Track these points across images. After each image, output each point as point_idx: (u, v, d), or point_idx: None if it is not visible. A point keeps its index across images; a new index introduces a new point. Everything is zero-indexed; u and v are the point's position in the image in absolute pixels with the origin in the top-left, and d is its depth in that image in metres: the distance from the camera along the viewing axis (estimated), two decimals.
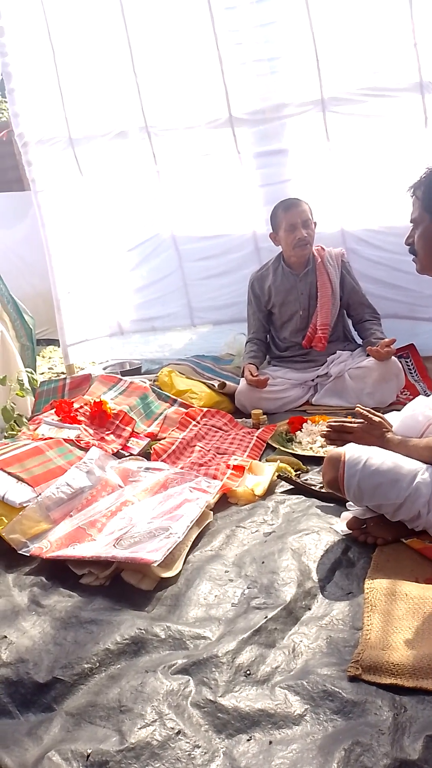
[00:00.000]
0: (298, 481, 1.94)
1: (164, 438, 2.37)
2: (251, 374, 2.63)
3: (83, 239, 3.63)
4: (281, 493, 1.92)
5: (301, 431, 2.33)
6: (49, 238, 3.51)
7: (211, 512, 1.79)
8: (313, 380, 2.77)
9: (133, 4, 3.15)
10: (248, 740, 1.00)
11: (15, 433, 2.25)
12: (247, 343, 2.95)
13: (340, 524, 1.64)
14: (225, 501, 1.89)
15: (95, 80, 3.32)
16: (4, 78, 3.42)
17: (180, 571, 1.49)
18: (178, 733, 1.01)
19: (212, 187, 3.35)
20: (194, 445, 2.30)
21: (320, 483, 1.92)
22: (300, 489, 1.90)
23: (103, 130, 3.40)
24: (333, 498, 1.80)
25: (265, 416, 2.55)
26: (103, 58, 3.30)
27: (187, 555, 1.57)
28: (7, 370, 2.50)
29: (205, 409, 2.61)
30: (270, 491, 1.92)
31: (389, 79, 2.83)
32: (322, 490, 1.86)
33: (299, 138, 3.15)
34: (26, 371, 2.45)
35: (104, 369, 3.63)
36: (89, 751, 0.96)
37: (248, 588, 1.41)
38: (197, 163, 3.32)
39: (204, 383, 2.94)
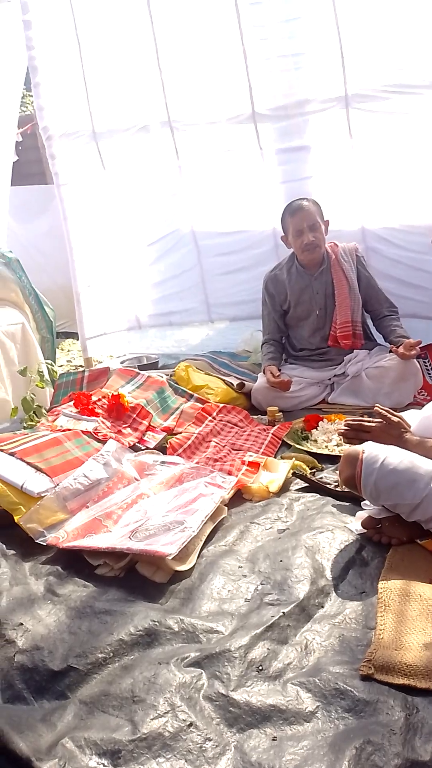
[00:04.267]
0: (313, 478, 1.94)
1: (180, 432, 2.38)
2: (273, 375, 2.63)
3: (104, 233, 3.65)
4: (296, 490, 1.92)
5: (316, 429, 2.33)
6: (70, 231, 3.54)
7: (226, 508, 1.80)
8: (329, 379, 2.77)
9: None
10: (259, 735, 1.00)
11: (34, 423, 2.28)
12: (263, 344, 2.94)
13: (354, 523, 1.63)
14: (239, 497, 1.90)
15: (120, 74, 3.34)
16: (30, 72, 3.44)
17: (194, 565, 1.50)
18: (190, 725, 1.01)
19: (233, 183, 3.34)
20: (210, 441, 2.30)
21: (335, 481, 1.92)
22: (315, 487, 1.90)
23: (126, 125, 3.42)
24: (348, 497, 1.80)
25: (280, 414, 2.55)
26: (129, 52, 3.31)
27: (201, 549, 1.57)
28: (27, 362, 2.52)
29: (221, 405, 2.61)
30: (285, 488, 1.92)
31: (414, 76, 2.80)
32: (337, 489, 1.86)
33: (322, 135, 3.14)
34: (46, 363, 2.47)
35: (122, 363, 3.66)
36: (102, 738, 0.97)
37: (261, 584, 1.42)
38: (219, 159, 3.32)
39: (221, 379, 2.94)
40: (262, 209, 3.33)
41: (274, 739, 1.00)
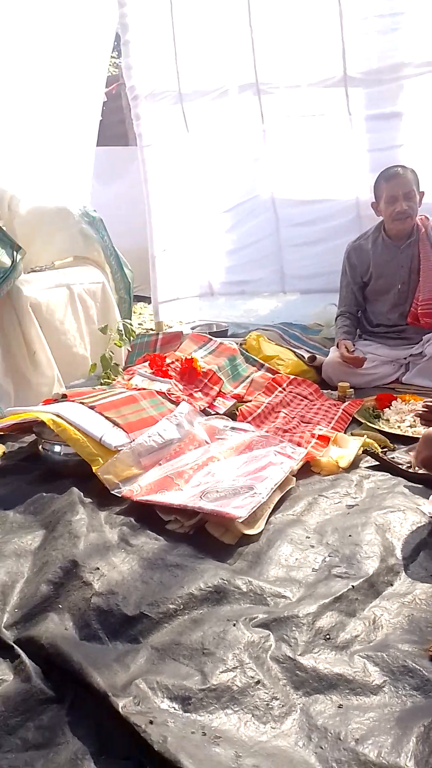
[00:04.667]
0: (385, 458, 1.91)
1: (250, 401, 2.39)
2: (347, 351, 2.58)
3: (182, 197, 3.65)
4: (366, 468, 1.90)
5: (389, 408, 2.28)
6: (150, 193, 3.54)
7: (294, 478, 1.80)
8: (405, 358, 2.69)
9: None
10: (325, 701, 1.02)
11: (110, 381, 2.34)
12: (338, 317, 2.87)
13: (427, 506, 1.60)
14: (307, 469, 1.89)
15: (210, 34, 3.28)
16: (120, 30, 3.42)
17: (262, 531, 1.52)
18: (258, 682, 1.04)
19: (318, 150, 3.26)
20: (279, 411, 2.30)
21: (408, 462, 1.88)
22: (386, 466, 1.87)
23: (212, 86, 3.37)
24: (420, 479, 1.76)
25: (351, 390, 2.50)
26: (220, 11, 3.23)
27: (269, 516, 1.59)
28: (105, 321, 2.58)
29: (291, 377, 2.59)
30: (354, 465, 1.90)
31: None
32: (409, 470, 1.82)
33: (416, 101, 2.99)
34: (125, 322, 2.52)
35: (192, 329, 3.68)
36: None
37: (329, 556, 1.42)
38: (305, 124, 3.23)
39: (292, 351, 2.92)
40: (346, 178, 3.24)
41: (339, 707, 1.01)
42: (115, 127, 5.33)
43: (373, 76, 3.01)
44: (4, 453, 2.02)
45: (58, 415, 1.80)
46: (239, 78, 3.26)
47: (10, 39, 3.77)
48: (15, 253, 2.14)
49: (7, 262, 2.13)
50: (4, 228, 2.27)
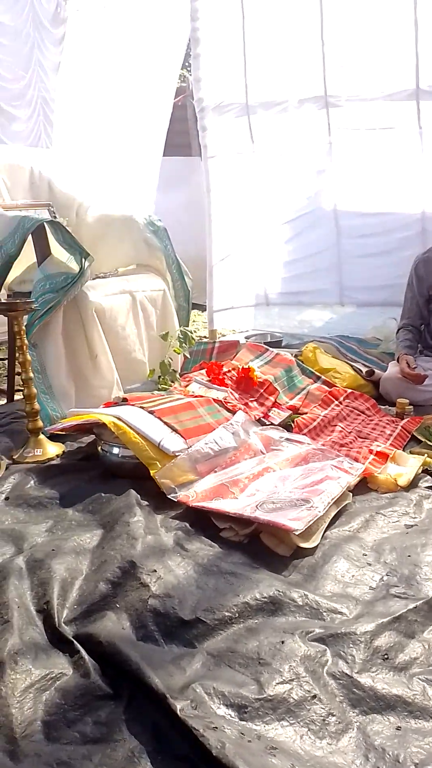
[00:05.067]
0: None
1: (306, 413, 2.38)
2: (408, 366, 2.53)
3: (244, 207, 3.68)
4: (425, 487, 1.85)
5: None
6: (212, 203, 3.59)
7: (350, 494, 1.78)
8: None
9: None
10: (383, 721, 1.00)
11: (167, 386, 2.37)
12: (400, 329, 2.82)
13: None
14: (364, 485, 1.86)
15: (280, 48, 3.32)
16: (192, 43, 3.50)
17: (317, 545, 1.50)
18: (314, 697, 1.03)
19: (385, 163, 3.23)
20: (335, 425, 2.28)
21: None
22: None
23: (280, 98, 3.40)
24: None
25: (411, 407, 2.45)
26: (292, 24, 3.27)
27: (325, 531, 1.57)
28: (165, 327, 2.63)
29: (348, 391, 2.57)
30: (413, 484, 1.86)
31: None
32: None
33: None
34: (187, 329, 2.56)
35: (246, 338, 3.69)
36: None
37: (387, 575, 1.39)
38: (373, 137, 3.21)
39: (349, 364, 2.88)
40: (412, 191, 3.19)
41: (398, 729, 0.99)
42: (179, 137, 5.43)
43: None
44: (63, 452, 2.08)
45: (119, 418, 1.84)
46: (308, 90, 3.28)
47: (92, 51, 3.92)
48: (83, 260, 2.21)
49: (76, 268, 2.19)
50: (71, 232, 2.35)
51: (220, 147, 3.53)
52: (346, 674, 1.08)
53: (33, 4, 4.50)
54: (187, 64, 4.26)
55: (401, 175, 3.18)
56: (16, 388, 2.74)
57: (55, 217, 2.81)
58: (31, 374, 2.04)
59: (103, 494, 1.73)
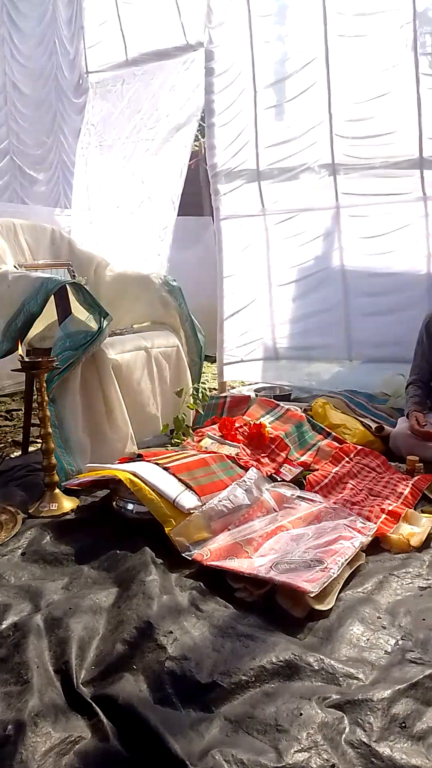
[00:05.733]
0: None
1: (317, 469, 2.40)
2: (418, 423, 2.56)
3: (254, 266, 3.81)
4: None
5: None
6: (224, 261, 3.73)
7: (364, 554, 1.79)
8: None
9: (336, 45, 3.28)
10: None
11: (180, 441, 2.42)
12: (409, 385, 2.86)
13: None
14: (376, 545, 1.88)
15: (290, 118, 3.50)
16: (206, 113, 3.71)
17: (332, 607, 1.51)
18: (333, 766, 1.03)
19: (391, 226, 3.35)
20: (346, 482, 2.30)
21: None
22: None
23: (289, 165, 3.57)
24: None
25: (421, 464, 2.47)
26: (300, 96, 3.46)
27: (339, 592, 1.58)
28: (178, 383, 2.69)
29: (358, 447, 2.60)
30: (426, 544, 1.87)
31: None
32: None
33: None
34: (201, 386, 2.62)
35: (255, 391, 3.76)
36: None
37: (402, 639, 1.40)
38: (379, 202, 3.34)
39: (358, 420, 2.92)
40: (418, 253, 3.30)
41: None
42: (192, 198, 5.66)
43: None
44: (78, 506, 2.11)
45: (134, 474, 1.88)
46: (316, 158, 3.45)
47: (111, 118, 4.16)
48: (102, 319, 2.29)
49: (95, 326, 2.28)
50: (91, 293, 2.45)
51: (231, 210, 3.69)
52: (364, 743, 1.08)
53: (56, 76, 4.82)
54: (200, 130, 4.49)
55: (407, 238, 3.30)
56: (30, 439, 2.79)
57: (74, 276, 2.93)
58: (50, 429, 2.09)
59: (118, 551, 1.75)
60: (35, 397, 2.14)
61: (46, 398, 2.10)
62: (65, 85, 4.70)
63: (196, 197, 5.64)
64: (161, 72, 4.15)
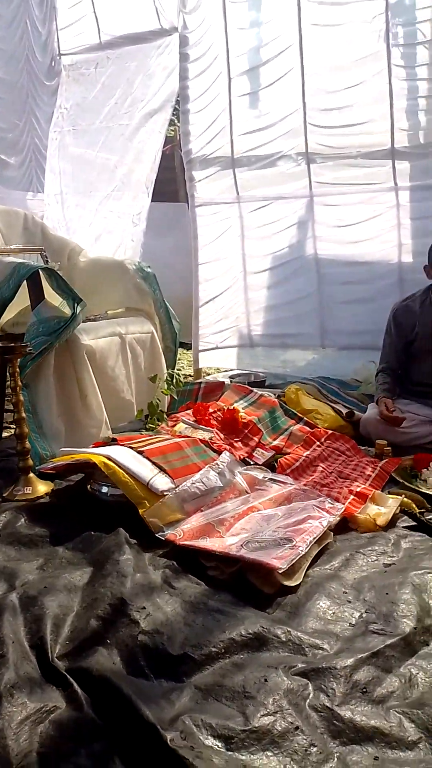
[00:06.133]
0: (423, 519, 1.94)
1: (288, 453, 2.46)
2: (387, 409, 2.63)
3: (229, 253, 3.84)
4: (403, 527, 1.93)
5: (427, 469, 2.32)
6: (199, 249, 3.75)
7: (332, 533, 1.85)
8: None
9: (311, 34, 3.30)
10: (361, 752, 1.05)
11: (155, 426, 2.45)
12: (379, 373, 2.93)
13: None
14: (344, 525, 1.94)
15: (264, 106, 3.53)
16: (181, 99, 3.72)
17: (300, 583, 1.57)
18: (297, 728, 1.09)
19: (363, 215, 3.41)
20: (317, 465, 2.36)
21: None
22: (424, 527, 1.91)
23: (263, 153, 3.59)
24: None
25: (389, 448, 2.55)
26: (275, 84, 3.48)
27: (307, 569, 1.64)
28: (153, 369, 2.72)
29: (329, 432, 2.66)
30: (391, 524, 1.94)
31: None
32: None
33: None
34: (175, 372, 2.65)
35: (230, 378, 3.80)
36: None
37: (366, 612, 1.46)
38: (352, 191, 3.40)
39: (330, 406, 2.99)
40: (389, 243, 3.37)
41: (375, 759, 1.05)
42: (167, 185, 5.64)
43: (420, 150, 3.18)
44: (52, 490, 2.13)
45: (109, 458, 1.91)
46: (290, 147, 3.48)
47: (84, 102, 4.12)
48: (76, 305, 2.30)
49: (69, 312, 2.29)
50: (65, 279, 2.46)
51: (206, 196, 3.71)
52: (327, 707, 1.14)
53: (29, 59, 4.73)
54: (175, 116, 4.47)
55: (379, 228, 3.37)
56: (4, 425, 2.79)
57: (47, 262, 2.92)
58: (24, 414, 2.10)
59: (92, 533, 1.78)
60: (8, 382, 2.15)
61: (20, 383, 2.11)
62: (37, 67, 4.62)
63: (172, 183, 5.62)
64: (136, 56, 4.11)
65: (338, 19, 3.23)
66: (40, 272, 2.37)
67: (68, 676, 1.19)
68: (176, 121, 5.04)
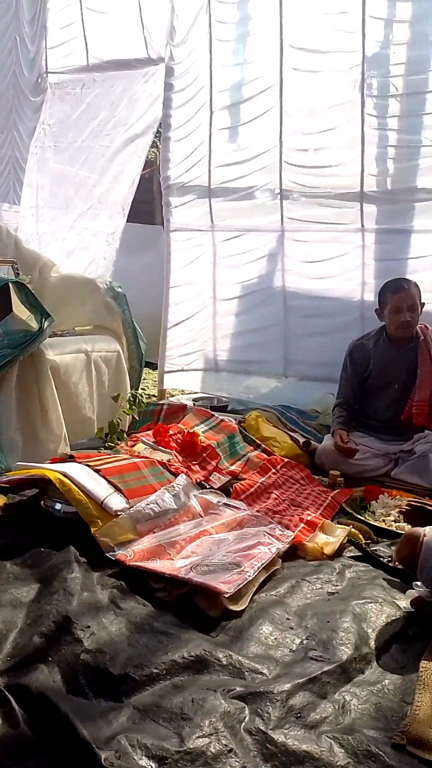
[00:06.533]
0: (368, 549, 2.01)
1: (244, 479, 2.50)
2: (342, 440, 2.71)
3: (200, 278, 3.91)
4: (349, 557, 1.99)
5: (376, 502, 2.39)
6: (171, 272, 3.81)
7: (280, 560, 1.89)
8: (395, 453, 2.82)
9: (291, 77, 3.45)
10: None
11: (114, 445, 2.47)
12: (336, 407, 3.02)
13: (404, 601, 1.69)
14: (293, 552, 1.99)
15: (243, 142, 3.64)
16: (163, 126, 3.80)
17: (245, 608, 1.60)
18: (230, 751, 1.11)
19: (330, 253, 3.53)
20: (271, 492, 2.41)
21: (389, 557, 1.98)
22: (368, 558, 1.97)
23: (240, 185, 3.70)
24: (399, 574, 1.85)
25: (342, 479, 2.62)
26: (254, 121, 3.61)
27: (253, 595, 1.67)
28: (117, 388, 2.74)
29: (285, 460, 2.72)
30: (338, 553, 2.00)
31: None
32: (390, 564, 1.92)
33: (426, 221, 3.29)
34: (138, 393, 2.68)
35: (194, 401, 3.84)
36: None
37: (307, 639, 1.50)
38: (321, 229, 3.52)
39: (288, 434, 3.06)
40: (353, 281, 3.49)
41: None
42: (144, 206, 5.73)
43: (387, 196, 3.33)
44: (5, 504, 2.11)
45: (65, 474, 1.92)
46: (265, 182, 3.60)
47: (67, 120, 4.18)
48: (44, 320, 2.32)
49: (36, 327, 2.31)
50: (34, 293, 2.48)
51: (181, 222, 3.79)
52: (261, 730, 1.17)
53: (16, 74, 4.78)
54: (157, 137, 4.56)
55: (344, 266, 3.49)
56: None
57: (18, 275, 2.93)
58: None
59: (42, 549, 1.78)
60: None
61: None
62: (23, 82, 4.67)
63: (149, 206, 5.71)
64: (122, 81, 4.21)
65: (317, 66, 3.38)
66: (10, 285, 2.38)
67: (6, 693, 1.19)
68: (158, 143, 5.15)
